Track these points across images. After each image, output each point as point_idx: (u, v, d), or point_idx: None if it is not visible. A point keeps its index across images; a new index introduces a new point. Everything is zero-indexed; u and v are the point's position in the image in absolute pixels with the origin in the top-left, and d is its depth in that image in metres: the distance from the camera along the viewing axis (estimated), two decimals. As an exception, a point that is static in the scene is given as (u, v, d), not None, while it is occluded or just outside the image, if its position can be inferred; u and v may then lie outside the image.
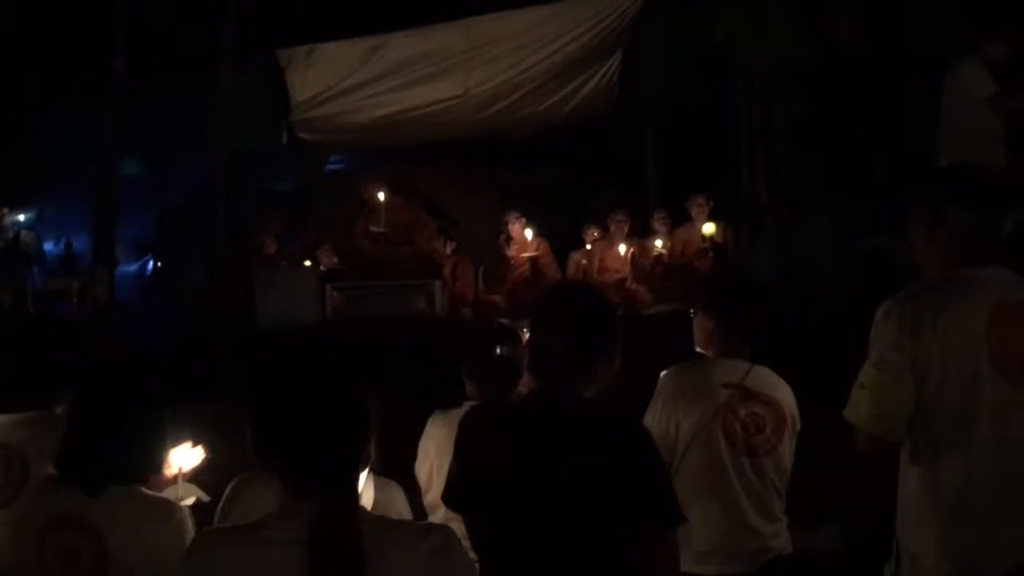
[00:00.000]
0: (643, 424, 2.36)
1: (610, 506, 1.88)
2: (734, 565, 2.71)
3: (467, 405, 2.78)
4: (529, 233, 8.12)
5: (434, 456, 2.88)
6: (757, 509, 2.73)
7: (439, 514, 2.73)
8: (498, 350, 2.84)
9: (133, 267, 9.50)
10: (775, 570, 2.74)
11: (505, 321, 3.16)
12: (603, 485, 1.89)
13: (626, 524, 1.88)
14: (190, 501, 2.49)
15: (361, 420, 1.53)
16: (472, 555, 1.90)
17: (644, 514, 1.91)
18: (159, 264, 9.49)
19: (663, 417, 2.74)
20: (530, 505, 1.91)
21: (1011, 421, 2.03)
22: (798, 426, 2.81)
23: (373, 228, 8.19)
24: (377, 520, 1.54)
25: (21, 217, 9.57)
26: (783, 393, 2.80)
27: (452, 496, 2.04)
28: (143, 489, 2.13)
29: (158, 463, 2.30)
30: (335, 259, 8.24)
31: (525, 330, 2.77)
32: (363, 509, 1.57)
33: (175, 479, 2.54)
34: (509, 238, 8.20)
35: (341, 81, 8.11)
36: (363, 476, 1.85)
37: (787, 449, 2.78)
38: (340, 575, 1.41)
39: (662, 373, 2.84)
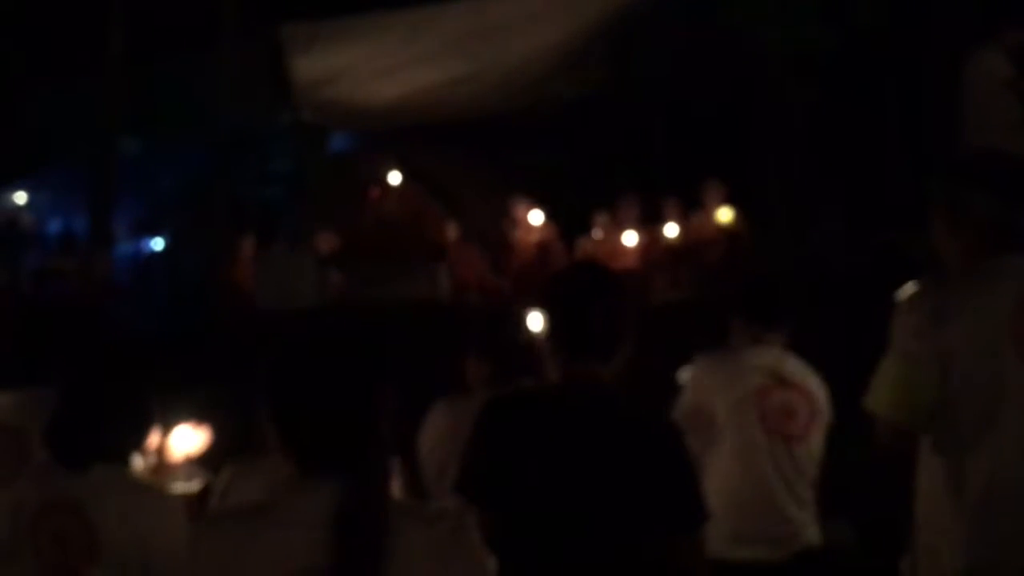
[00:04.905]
0: (674, 419, 2.38)
1: (645, 501, 1.86)
2: (767, 550, 2.74)
3: (476, 394, 2.74)
4: (537, 218, 8.03)
5: (440, 447, 2.79)
6: (790, 495, 2.76)
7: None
8: (520, 335, 2.81)
9: (131, 247, 9.41)
10: (806, 560, 2.76)
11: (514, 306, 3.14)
12: (640, 480, 1.87)
13: (659, 520, 1.86)
14: (196, 484, 2.45)
15: (386, 392, 1.49)
16: None
17: (676, 511, 1.89)
18: (159, 245, 9.40)
19: (699, 400, 2.77)
20: (562, 498, 1.86)
21: None
22: (828, 418, 2.84)
23: (382, 211, 8.11)
24: (394, 499, 1.52)
25: (21, 201, 9.50)
26: (814, 384, 2.84)
27: (471, 486, 1.95)
28: (133, 474, 2.15)
29: (140, 440, 2.30)
30: (335, 242, 8.15)
31: (536, 314, 2.75)
32: None
33: (181, 462, 2.50)
34: (516, 222, 8.12)
35: (345, 60, 8.00)
36: None
37: (818, 439, 2.82)
38: (363, 548, 1.36)
39: (693, 360, 2.88)
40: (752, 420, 2.73)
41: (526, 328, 2.85)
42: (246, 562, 1.37)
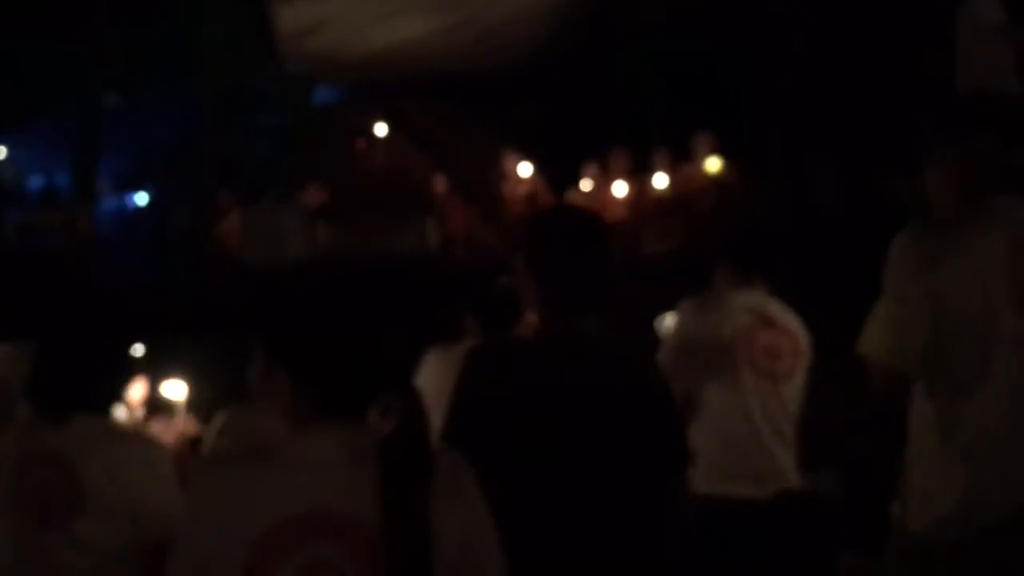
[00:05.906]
0: (661, 360, 2.39)
1: (635, 449, 1.88)
2: (752, 487, 2.81)
3: (466, 342, 2.74)
4: (526, 170, 7.98)
5: (434, 395, 2.82)
6: (776, 435, 2.84)
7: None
8: (503, 285, 2.83)
9: (115, 202, 9.34)
10: (788, 499, 2.82)
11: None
12: (629, 428, 1.88)
13: (649, 465, 1.89)
14: (191, 430, 2.45)
15: (406, 329, 1.47)
16: None
17: (665, 456, 1.93)
18: (143, 200, 9.33)
19: (687, 341, 2.82)
20: (550, 447, 1.86)
21: None
22: (809, 360, 2.91)
23: (369, 163, 8.05)
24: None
25: (0, 155, 9.38)
26: (797, 326, 2.91)
27: (457, 437, 1.92)
28: (117, 424, 2.16)
29: (119, 390, 2.31)
30: (322, 195, 8.08)
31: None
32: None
33: (171, 413, 2.50)
34: (505, 174, 8.06)
35: (329, 9, 7.89)
36: None
37: (801, 379, 2.89)
38: (408, 487, 1.34)
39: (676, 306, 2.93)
40: (740, 360, 2.79)
41: (511, 280, 2.87)
42: (248, 502, 1.33)
